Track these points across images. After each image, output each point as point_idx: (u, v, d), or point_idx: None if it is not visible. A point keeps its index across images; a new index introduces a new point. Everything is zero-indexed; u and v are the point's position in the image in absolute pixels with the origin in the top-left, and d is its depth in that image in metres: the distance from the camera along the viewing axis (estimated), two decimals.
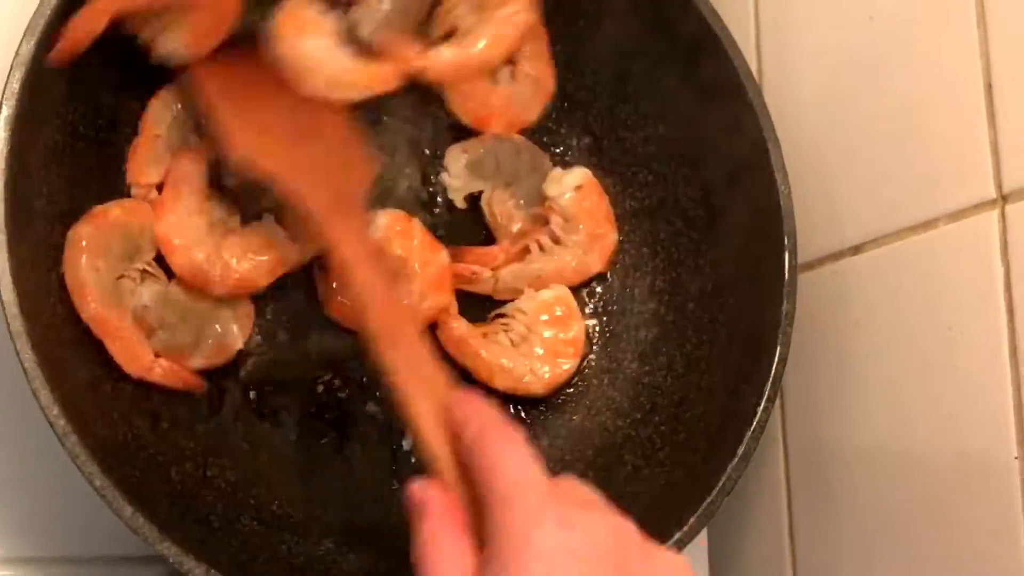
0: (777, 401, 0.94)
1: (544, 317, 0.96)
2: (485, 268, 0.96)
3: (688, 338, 0.97)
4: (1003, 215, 0.76)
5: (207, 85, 0.84)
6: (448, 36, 0.92)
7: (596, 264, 0.99)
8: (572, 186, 0.97)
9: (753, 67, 1.00)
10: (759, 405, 0.87)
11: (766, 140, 0.91)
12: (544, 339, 0.95)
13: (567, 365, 0.96)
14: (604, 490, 0.90)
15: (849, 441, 0.90)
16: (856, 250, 0.91)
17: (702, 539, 1.04)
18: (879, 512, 0.86)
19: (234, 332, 0.89)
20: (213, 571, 0.75)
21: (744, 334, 0.93)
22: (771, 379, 0.88)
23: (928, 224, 0.83)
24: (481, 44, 0.91)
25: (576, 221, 0.97)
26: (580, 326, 0.97)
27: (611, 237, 0.99)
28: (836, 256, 0.93)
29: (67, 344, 0.81)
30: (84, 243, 0.82)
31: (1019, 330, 0.74)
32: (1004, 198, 0.76)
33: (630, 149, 1.01)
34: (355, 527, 0.90)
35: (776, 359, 0.88)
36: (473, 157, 0.98)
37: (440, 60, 0.90)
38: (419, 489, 0.63)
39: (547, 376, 0.95)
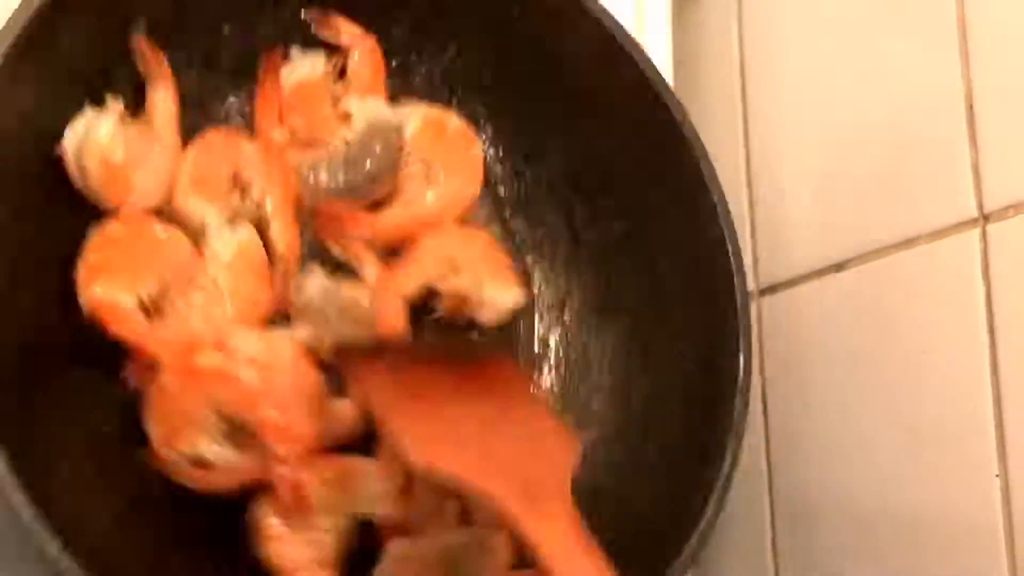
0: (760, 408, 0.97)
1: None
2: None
3: (634, 442, 0.95)
4: (984, 234, 0.78)
5: (373, 389, 0.78)
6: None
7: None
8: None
9: (738, 94, 1.03)
10: (706, 513, 0.84)
11: (718, 213, 0.90)
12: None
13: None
14: None
15: (829, 456, 0.91)
16: (839, 267, 0.92)
17: None
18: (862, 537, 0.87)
19: None
20: None
21: (695, 440, 0.90)
22: (719, 485, 0.85)
23: (910, 242, 0.85)
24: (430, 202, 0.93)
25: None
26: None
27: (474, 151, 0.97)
28: (819, 273, 0.94)
29: None
30: None
31: (1000, 348, 0.76)
32: (986, 217, 0.79)
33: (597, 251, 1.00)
34: None
35: (727, 464, 0.86)
36: None
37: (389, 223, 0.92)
38: None
39: None
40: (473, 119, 0.99)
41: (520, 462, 0.74)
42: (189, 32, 0.90)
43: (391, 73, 0.96)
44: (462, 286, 0.93)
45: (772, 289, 0.97)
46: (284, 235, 0.91)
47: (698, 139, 0.92)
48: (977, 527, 0.77)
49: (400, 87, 0.97)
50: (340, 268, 0.91)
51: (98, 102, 0.84)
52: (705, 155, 0.91)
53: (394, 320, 0.88)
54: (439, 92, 0.99)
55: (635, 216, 0.98)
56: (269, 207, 0.91)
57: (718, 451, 0.87)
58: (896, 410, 0.85)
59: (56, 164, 0.82)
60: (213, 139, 0.91)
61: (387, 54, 0.96)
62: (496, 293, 0.94)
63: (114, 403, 0.81)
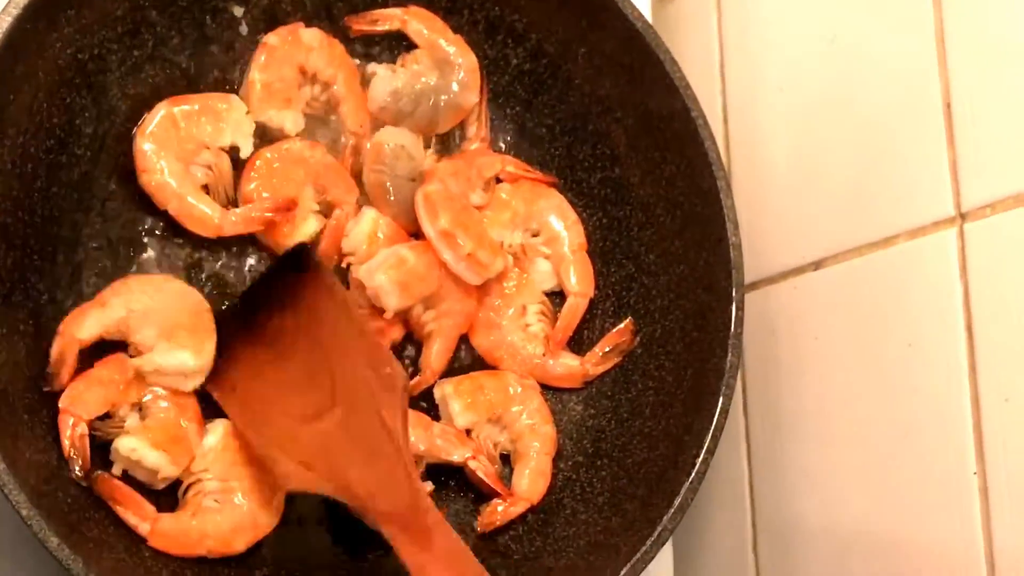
0: (742, 409, 0.97)
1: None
2: None
3: (634, 383, 0.97)
4: (962, 233, 0.77)
5: (234, 413, 0.88)
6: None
7: None
8: None
9: (718, 91, 1.02)
10: (699, 456, 0.87)
11: (719, 191, 0.91)
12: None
13: None
14: (541, 533, 0.93)
15: (807, 449, 0.91)
16: (817, 265, 0.91)
17: None
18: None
19: None
20: None
21: (688, 383, 0.93)
22: (712, 430, 0.88)
23: (888, 240, 0.84)
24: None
25: None
26: None
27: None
28: (797, 271, 0.94)
29: (5, 367, 0.79)
30: None
31: (978, 346, 0.75)
32: (963, 216, 0.77)
33: (587, 191, 1.01)
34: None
35: (718, 410, 0.88)
36: None
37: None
38: None
39: None
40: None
41: (359, 453, 0.82)
42: None
43: None
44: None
45: (751, 286, 0.95)
46: (354, 111, 0.97)
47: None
48: (954, 524, 0.76)
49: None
50: None
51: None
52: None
53: None
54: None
55: (630, 164, 0.99)
56: (339, 86, 0.96)
57: (711, 398, 0.89)
58: (873, 408, 0.84)
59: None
60: (274, 44, 0.94)
61: None
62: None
63: None
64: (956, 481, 0.76)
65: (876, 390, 0.84)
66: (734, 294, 0.90)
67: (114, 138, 0.90)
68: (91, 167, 0.89)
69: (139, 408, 0.86)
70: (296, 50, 0.95)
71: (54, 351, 0.82)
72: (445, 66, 0.97)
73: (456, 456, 0.93)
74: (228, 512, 0.85)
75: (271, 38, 0.94)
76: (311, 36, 0.95)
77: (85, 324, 0.84)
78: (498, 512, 0.93)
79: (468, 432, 0.95)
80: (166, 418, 0.86)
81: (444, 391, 0.95)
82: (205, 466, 0.86)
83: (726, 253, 0.91)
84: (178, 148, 0.90)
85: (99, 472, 0.82)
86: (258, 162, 0.93)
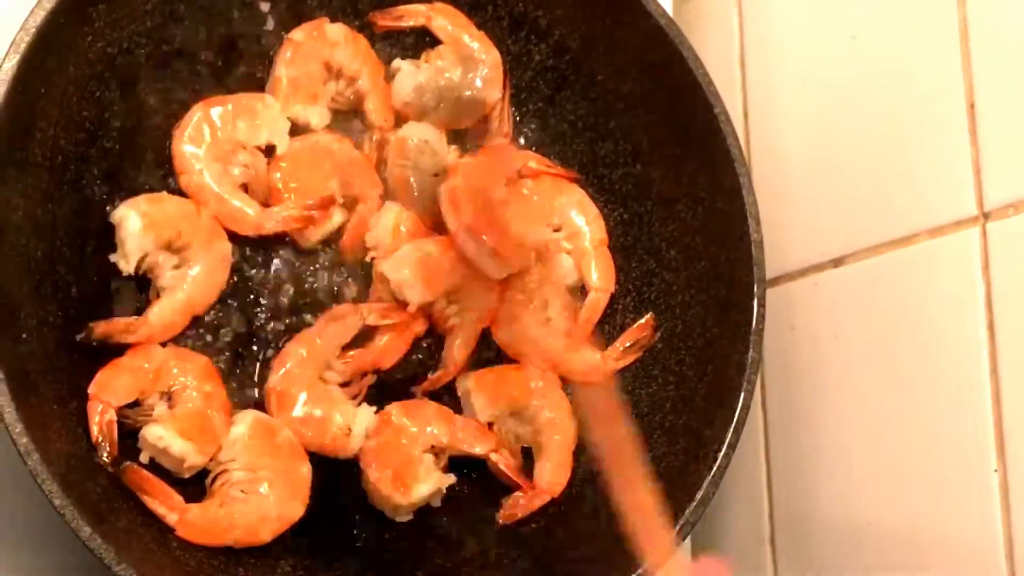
0: (761, 404, 0.98)
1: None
2: None
3: (654, 378, 0.98)
4: (984, 232, 0.78)
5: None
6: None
7: None
8: None
9: (738, 88, 1.03)
10: (720, 451, 0.88)
11: (741, 187, 0.92)
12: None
13: None
14: (564, 524, 0.93)
15: (825, 444, 0.92)
16: (837, 263, 0.92)
17: None
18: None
19: None
20: None
21: (709, 378, 0.93)
22: (734, 425, 0.89)
23: (909, 239, 0.84)
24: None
25: None
26: None
27: None
28: (817, 268, 0.94)
29: (35, 358, 0.80)
30: None
31: (999, 345, 0.76)
32: (986, 215, 0.78)
33: (608, 186, 1.02)
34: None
35: (739, 405, 0.89)
36: None
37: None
38: None
39: None
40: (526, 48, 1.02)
41: None
42: None
43: None
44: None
45: (772, 282, 0.96)
46: (379, 106, 0.98)
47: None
48: (974, 520, 0.77)
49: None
50: None
51: None
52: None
53: None
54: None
55: (651, 161, 1.00)
56: (364, 81, 0.98)
57: (732, 394, 0.90)
58: (894, 406, 0.85)
59: None
60: (299, 40, 0.95)
61: None
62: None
63: None
64: (976, 478, 0.77)
65: (895, 387, 0.85)
66: (756, 290, 0.91)
67: (143, 132, 0.91)
68: (120, 160, 0.90)
69: (168, 397, 0.87)
70: (321, 46, 0.95)
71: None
72: (468, 62, 0.98)
73: (478, 449, 0.94)
74: (255, 502, 0.86)
75: (296, 34, 0.95)
76: (336, 32, 0.96)
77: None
78: (520, 504, 0.94)
79: (490, 425, 0.96)
80: (194, 408, 0.87)
81: (466, 385, 0.96)
82: (232, 456, 0.86)
83: (748, 249, 0.91)
84: (216, 149, 0.91)
85: (128, 462, 0.83)
86: (286, 153, 0.94)
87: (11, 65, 0.78)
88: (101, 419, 0.83)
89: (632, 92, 0.98)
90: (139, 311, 0.89)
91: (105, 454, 0.82)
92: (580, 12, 0.98)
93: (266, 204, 0.93)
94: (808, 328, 0.95)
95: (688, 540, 1.03)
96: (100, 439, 0.82)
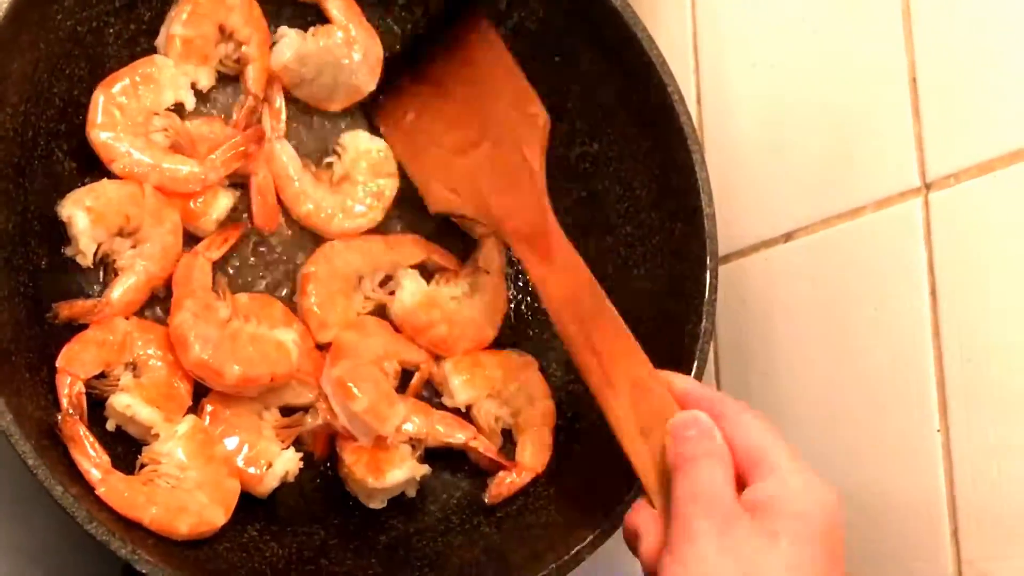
0: (715, 376, 1.01)
1: (363, 164, 1.00)
2: None
3: None
4: (927, 203, 0.80)
5: (397, 143, 1.00)
6: None
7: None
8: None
9: (691, 71, 1.05)
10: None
11: (694, 164, 0.94)
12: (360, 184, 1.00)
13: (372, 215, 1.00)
14: (523, 491, 0.96)
15: (778, 412, 0.92)
16: (787, 237, 0.95)
17: None
18: None
19: None
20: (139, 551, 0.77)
21: (665, 349, 0.95)
22: None
23: (856, 211, 0.87)
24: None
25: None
26: (393, 183, 1.01)
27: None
28: (768, 243, 0.97)
29: (6, 327, 0.82)
30: None
31: (941, 310, 0.79)
32: (928, 186, 0.80)
33: (566, 165, 1.04)
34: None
35: (692, 374, 0.91)
36: None
37: None
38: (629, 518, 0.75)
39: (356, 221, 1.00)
40: None
41: (500, 182, 0.93)
42: None
43: None
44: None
45: (724, 259, 0.99)
46: (259, 73, 0.98)
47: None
48: (918, 479, 0.80)
49: None
50: None
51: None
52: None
53: None
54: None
55: (607, 139, 1.02)
56: (251, 48, 0.98)
57: (686, 364, 0.92)
58: (842, 373, 0.88)
59: None
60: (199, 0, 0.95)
61: None
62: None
63: None
64: (920, 438, 0.80)
65: (843, 355, 0.88)
66: (708, 262, 0.93)
67: None
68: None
69: (133, 367, 0.89)
70: (219, 7, 0.95)
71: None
72: (353, 47, 0.99)
73: (458, 437, 0.96)
74: (177, 495, 0.85)
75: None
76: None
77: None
78: (505, 484, 0.96)
79: (469, 408, 0.98)
80: (159, 376, 0.88)
81: (444, 370, 0.98)
82: (167, 451, 0.86)
83: (700, 223, 0.93)
84: (130, 125, 0.91)
85: (69, 413, 0.83)
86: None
87: None
88: (71, 391, 0.84)
89: (588, 72, 1.00)
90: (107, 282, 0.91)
91: (98, 462, 0.83)
92: None
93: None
94: (760, 302, 0.98)
95: None
96: (70, 411, 0.83)
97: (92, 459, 0.82)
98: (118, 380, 0.88)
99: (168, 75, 0.93)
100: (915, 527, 0.81)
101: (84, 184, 0.90)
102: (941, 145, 0.79)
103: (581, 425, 0.99)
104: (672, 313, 0.96)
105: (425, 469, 0.94)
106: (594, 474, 0.95)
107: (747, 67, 1.00)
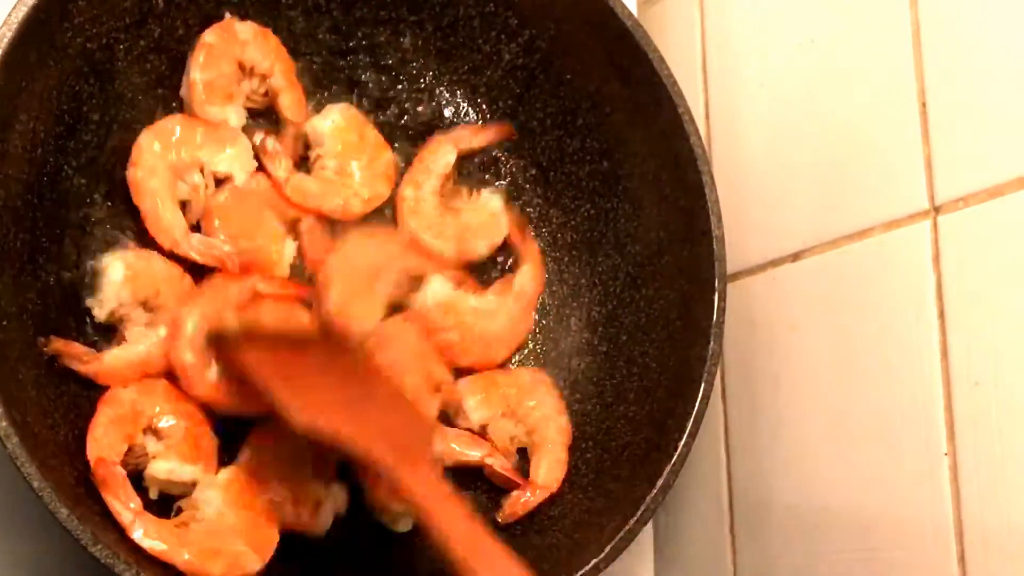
0: (721, 395, 1.00)
1: (339, 147, 0.99)
2: None
3: (619, 369, 1.00)
4: (935, 225, 0.80)
5: (253, 365, 0.86)
6: None
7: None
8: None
9: (700, 89, 1.05)
10: (680, 440, 0.90)
11: (704, 185, 0.94)
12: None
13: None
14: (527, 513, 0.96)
15: (783, 433, 0.95)
16: (795, 257, 0.94)
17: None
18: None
19: None
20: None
21: (671, 370, 0.96)
22: (694, 415, 0.91)
23: (864, 233, 0.87)
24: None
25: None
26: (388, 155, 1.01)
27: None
28: (776, 262, 0.97)
29: (14, 345, 0.82)
30: None
31: (949, 332, 0.79)
32: (937, 209, 0.80)
33: (576, 182, 1.04)
34: None
35: (700, 396, 0.91)
36: None
37: None
38: None
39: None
40: None
41: (389, 427, 0.83)
42: None
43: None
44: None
45: (732, 277, 0.98)
46: (292, 101, 0.99)
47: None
48: (925, 502, 0.80)
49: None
50: None
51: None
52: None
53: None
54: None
55: (618, 158, 1.02)
56: (276, 78, 0.98)
57: (693, 385, 0.92)
58: (849, 394, 0.87)
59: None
60: (211, 42, 0.95)
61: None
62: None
63: None
64: (927, 461, 0.79)
65: (850, 376, 0.87)
66: (717, 285, 0.93)
67: (120, 125, 0.92)
68: (98, 153, 0.91)
69: (153, 432, 0.89)
70: (232, 45, 0.96)
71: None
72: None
73: (474, 455, 0.96)
74: (211, 538, 0.85)
75: (208, 36, 0.95)
76: (246, 30, 0.97)
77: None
78: (520, 503, 0.96)
79: (484, 427, 0.98)
80: (180, 431, 0.88)
81: (458, 392, 0.98)
82: (206, 499, 0.87)
83: (710, 245, 0.93)
84: (175, 157, 0.92)
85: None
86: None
87: None
88: (112, 478, 0.84)
89: (599, 91, 1.00)
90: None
91: (131, 506, 0.83)
92: (550, 14, 1.00)
93: (194, 228, 0.94)
94: (767, 321, 0.97)
95: (650, 526, 1.06)
96: (122, 497, 0.83)
97: (125, 501, 0.83)
98: (145, 448, 0.88)
99: (239, 149, 0.95)
100: (922, 550, 0.80)
101: (91, 201, 0.91)
102: (950, 168, 0.79)
103: (586, 445, 0.99)
104: (679, 334, 0.96)
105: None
106: (598, 495, 0.95)
107: (756, 87, 1.00)
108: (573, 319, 1.04)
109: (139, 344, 0.89)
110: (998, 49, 0.76)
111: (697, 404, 0.91)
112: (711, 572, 1.03)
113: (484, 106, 1.04)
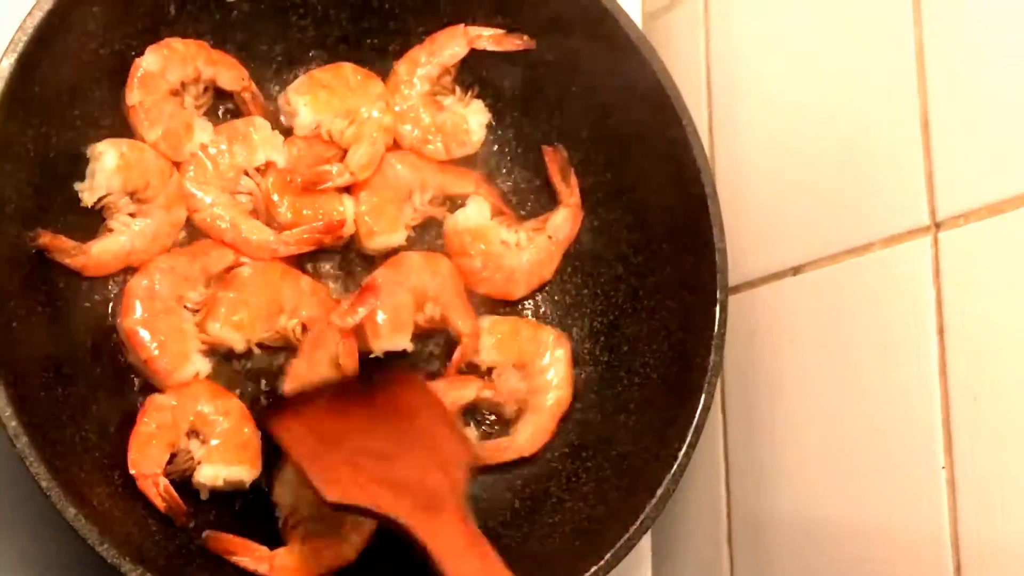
0: (721, 406, 1.01)
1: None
2: None
3: (620, 379, 1.01)
4: (936, 241, 0.81)
5: (291, 442, 0.87)
6: None
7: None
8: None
9: (704, 104, 1.06)
10: (680, 450, 0.91)
11: (707, 197, 0.95)
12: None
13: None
14: (528, 520, 0.96)
15: (782, 445, 0.95)
16: (796, 271, 0.95)
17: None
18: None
19: None
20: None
21: (672, 380, 0.97)
22: (694, 425, 0.92)
23: (865, 247, 0.87)
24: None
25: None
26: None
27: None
28: (777, 276, 0.97)
29: (23, 346, 0.83)
30: None
31: (948, 348, 0.79)
32: (937, 225, 0.81)
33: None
34: None
35: (700, 406, 0.92)
36: None
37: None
38: None
39: None
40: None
41: (418, 478, 0.83)
42: None
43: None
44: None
45: (733, 289, 0.99)
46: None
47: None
48: (922, 516, 0.80)
49: None
50: None
51: None
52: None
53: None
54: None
55: (622, 170, 1.03)
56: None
57: (694, 395, 0.93)
58: (848, 407, 0.88)
59: None
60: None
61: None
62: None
63: None
64: (925, 475, 0.80)
65: (849, 389, 0.88)
66: (718, 296, 0.94)
67: (131, 131, 0.93)
68: None
69: (196, 434, 0.90)
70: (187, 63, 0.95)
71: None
72: None
73: (467, 395, 0.98)
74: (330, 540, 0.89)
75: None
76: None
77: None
78: (498, 448, 0.99)
79: (491, 370, 1.00)
80: (224, 431, 0.90)
81: (481, 324, 1.00)
82: (307, 512, 0.90)
83: (712, 257, 0.94)
84: (220, 180, 0.95)
85: (208, 532, 0.87)
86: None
87: (8, 64, 0.81)
88: (159, 491, 0.86)
89: (604, 104, 1.01)
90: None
91: (183, 518, 0.86)
92: (556, 28, 1.01)
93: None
94: (767, 333, 0.98)
95: (648, 535, 1.06)
96: (170, 510, 0.86)
97: (254, 555, 0.86)
98: (190, 453, 0.90)
99: (263, 135, 0.96)
100: (918, 563, 0.81)
101: None
102: (952, 185, 0.80)
103: (587, 454, 1.00)
104: (681, 345, 0.97)
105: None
106: (598, 504, 0.96)
107: (759, 102, 1.01)
108: (575, 329, 1.04)
109: (122, 237, 0.91)
110: (1000, 67, 0.76)
111: (697, 414, 0.92)
112: None
113: (492, 119, 1.05)
